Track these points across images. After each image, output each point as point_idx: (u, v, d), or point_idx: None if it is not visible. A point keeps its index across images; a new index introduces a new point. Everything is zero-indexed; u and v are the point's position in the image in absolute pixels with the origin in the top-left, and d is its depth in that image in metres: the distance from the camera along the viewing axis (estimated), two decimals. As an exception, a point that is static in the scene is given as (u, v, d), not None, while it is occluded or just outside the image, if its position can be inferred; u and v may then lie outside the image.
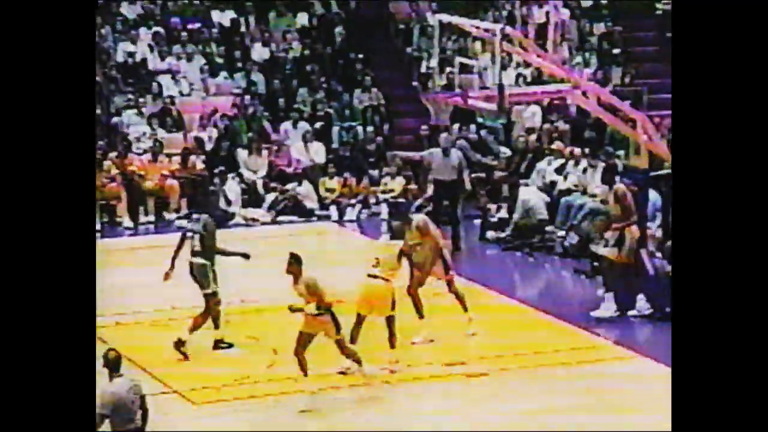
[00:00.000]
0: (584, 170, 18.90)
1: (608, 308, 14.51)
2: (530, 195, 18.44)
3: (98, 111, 21.54)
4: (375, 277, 12.55)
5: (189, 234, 13.37)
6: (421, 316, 13.46)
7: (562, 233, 17.96)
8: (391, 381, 12.50)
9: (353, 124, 22.26)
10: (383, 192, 20.36)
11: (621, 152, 18.43)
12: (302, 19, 24.06)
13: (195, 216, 13.85)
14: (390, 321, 12.56)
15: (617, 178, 14.72)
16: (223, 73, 22.63)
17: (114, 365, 9.48)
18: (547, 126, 21.62)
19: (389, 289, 12.57)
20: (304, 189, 20.32)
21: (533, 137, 21.20)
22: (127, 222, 19.62)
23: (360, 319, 12.54)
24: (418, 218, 13.66)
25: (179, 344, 12.98)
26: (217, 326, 13.28)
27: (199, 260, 13.24)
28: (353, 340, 12.43)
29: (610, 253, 14.43)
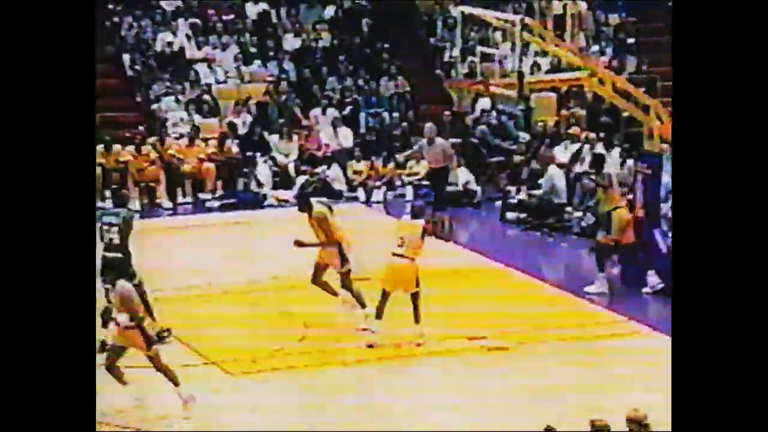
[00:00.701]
0: (598, 154, 18.68)
1: (599, 287, 14.49)
2: (556, 174, 18.24)
3: (138, 98, 21.52)
4: (400, 256, 12.44)
5: (106, 227, 12.25)
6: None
7: (578, 214, 17.79)
8: (418, 354, 12.38)
9: (379, 110, 22.16)
10: (408, 175, 20.24)
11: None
12: (330, 10, 23.93)
13: (114, 209, 12.74)
14: (414, 297, 12.47)
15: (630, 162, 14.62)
16: (257, 62, 22.56)
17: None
18: (564, 112, 21.44)
19: (413, 267, 12.46)
20: (333, 172, 20.22)
21: (551, 122, 21.03)
22: (166, 203, 19.62)
23: (385, 295, 12.44)
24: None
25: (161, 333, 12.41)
26: (153, 317, 12.15)
27: (116, 254, 12.22)
28: (379, 315, 12.35)
29: (600, 236, 14.63)
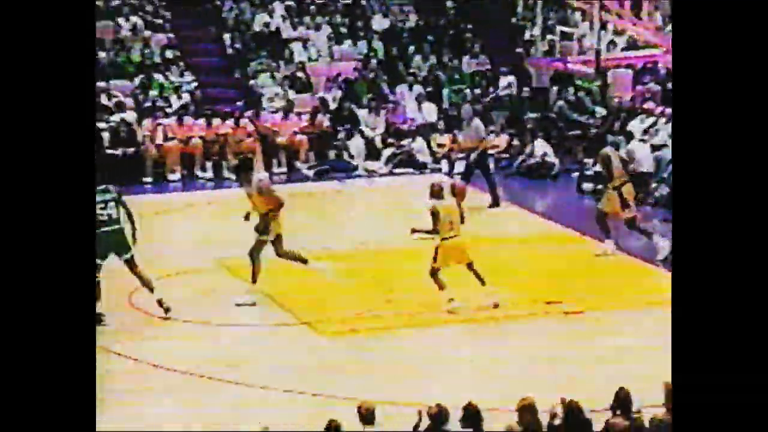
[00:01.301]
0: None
1: (607, 246, 14.59)
2: (637, 147, 17.88)
3: (237, 75, 21.67)
4: (449, 238, 12.38)
5: (101, 204, 11.90)
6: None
7: (654, 185, 17.52)
8: (496, 318, 12.34)
9: (462, 86, 22.04)
10: (491, 147, 20.09)
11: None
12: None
13: (106, 186, 12.20)
14: (470, 266, 12.44)
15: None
16: (347, 41, 22.55)
17: None
18: (639, 87, 21.11)
19: (463, 241, 12.48)
20: (418, 145, 20.19)
21: (627, 97, 20.73)
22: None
23: (435, 272, 12.41)
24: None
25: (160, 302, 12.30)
26: (151, 289, 12.32)
27: (117, 226, 12.07)
28: (442, 287, 12.33)
29: (601, 205, 14.81)
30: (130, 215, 12.22)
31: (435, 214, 12.45)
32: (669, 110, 18.94)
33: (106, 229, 11.90)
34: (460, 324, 12.21)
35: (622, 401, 8.28)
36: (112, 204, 12.04)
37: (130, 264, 12.13)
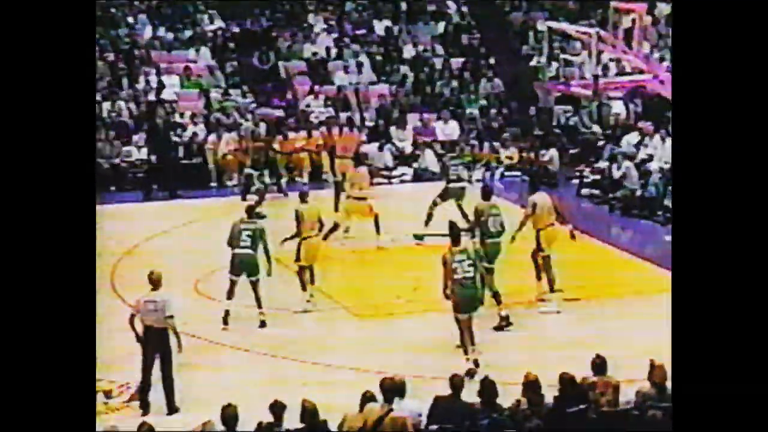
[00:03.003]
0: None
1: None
2: (631, 168, 17.64)
3: (289, 96, 21.68)
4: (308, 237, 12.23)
5: (247, 231, 11.67)
6: None
7: (639, 192, 17.36)
8: (509, 305, 12.12)
9: (478, 105, 21.88)
10: (506, 158, 19.99)
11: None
12: (441, 26, 23.77)
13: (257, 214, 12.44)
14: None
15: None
16: (383, 68, 22.52)
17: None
18: (632, 107, 20.94)
19: (318, 241, 12.55)
20: (428, 157, 19.89)
21: (623, 116, 20.58)
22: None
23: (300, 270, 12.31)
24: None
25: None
26: (260, 306, 11.92)
27: (250, 251, 11.72)
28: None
29: None
30: (266, 247, 11.83)
31: (298, 217, 12.22)
32: (651, 128, 18.81)
33: (240, 251, 11.64)
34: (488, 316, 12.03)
35: (598, 366, 8.33)
36: (254, 233, 11.72)
37: (254, 285, 11.78)
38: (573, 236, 12.14)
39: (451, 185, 15.03)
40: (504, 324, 11.51)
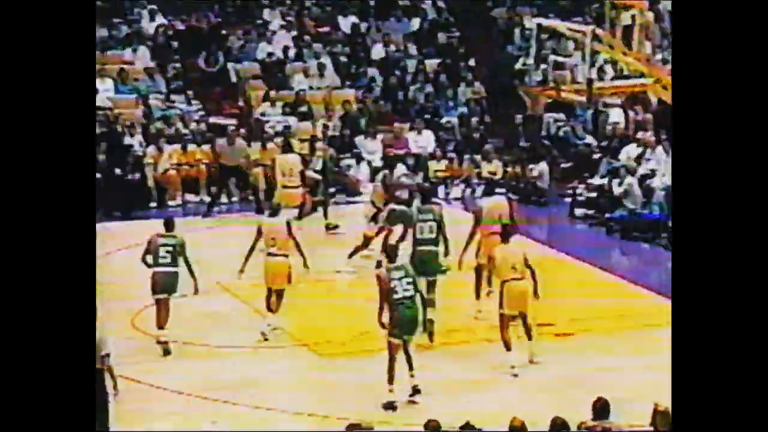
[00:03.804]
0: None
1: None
2: (633, 184, 17.86)
3: (241, 103, 21.74)
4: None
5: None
6: None
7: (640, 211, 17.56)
8: (487, 338, 12.32)
9: (456, 112, 22.03)
10: (488, 173, 20.14)
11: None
12: (416, 23, 23.95)
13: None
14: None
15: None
16: (347, 70, 22.64)
17: None
18: (632, 115, 21.19)
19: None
20: (399, 171, 19.99)
21: (621, 125, 20.82)
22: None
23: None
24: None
25: None
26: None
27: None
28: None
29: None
30: (187, 262, 12.20)
31: (259, 230, 12.76)
32: (652, 138, 19.03)
33: (160, 269, 12.04)
34: (449, 346, 12.22)
35: (599, 410, 8.40)
36: (174, 248, 12.04)
37: (165, 303, 12.11)
38: (536, 295, 11.78)
39: (397, 207, 14.37)
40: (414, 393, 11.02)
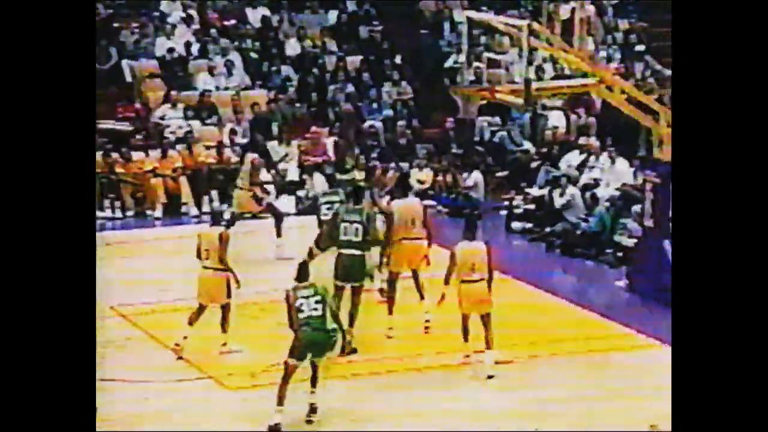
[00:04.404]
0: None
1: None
2: (575, 195, 18.10)
3: (138, 104, 21.56)
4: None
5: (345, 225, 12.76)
6: None
7: (584, 224, 17.80)
8: (420, 367, 12.41)
9: (382, 116, 22.09)
10: (417, 182, 20.23)
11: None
12: (333, 15, 23.99)
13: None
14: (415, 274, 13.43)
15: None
16: (259, 68, 22.58)
17: None
18: (574, 118, 21.47)
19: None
20: (318, 180, 20.08)
21: (562, 130, 21.08)
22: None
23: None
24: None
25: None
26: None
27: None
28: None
29: None
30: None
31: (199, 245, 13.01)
32: (597, 144, 19.33)
33: None
34: (371, 377, 12.32)
35: None
36: None
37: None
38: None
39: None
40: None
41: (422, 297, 13.33)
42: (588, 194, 18.01)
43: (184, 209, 19.57)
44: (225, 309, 12.81)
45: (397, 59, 23.28)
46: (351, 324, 12.56)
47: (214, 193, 19.80)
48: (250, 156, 17.22)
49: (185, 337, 12.74)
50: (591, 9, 23.89)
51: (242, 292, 12.98)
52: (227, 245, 12.73)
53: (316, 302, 11.06)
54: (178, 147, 20.15)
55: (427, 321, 13.26)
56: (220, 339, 12.81)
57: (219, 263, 12.69)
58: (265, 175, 19.33)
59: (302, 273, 11.34)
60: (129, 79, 22.04)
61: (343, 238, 12.75)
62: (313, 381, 11.21)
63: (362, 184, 14.89)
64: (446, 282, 12.37)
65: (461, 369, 12.41)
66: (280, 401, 11.04)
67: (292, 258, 13.77)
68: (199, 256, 12.84)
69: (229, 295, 12.78)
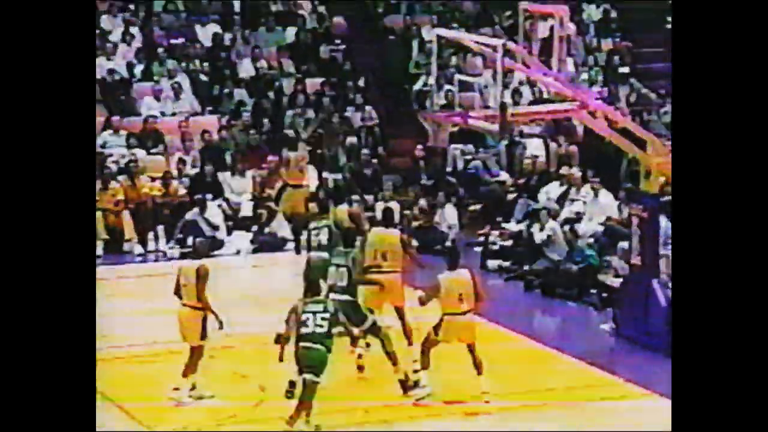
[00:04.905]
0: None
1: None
2: (557, 230, 18.22)
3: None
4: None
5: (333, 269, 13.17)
6: None
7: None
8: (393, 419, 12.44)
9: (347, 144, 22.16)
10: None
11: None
12: (291, 33, 24.06)
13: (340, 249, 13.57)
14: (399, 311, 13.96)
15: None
16: (209, 92, 22.62)
17: None
18: (554, 147, 21.63)
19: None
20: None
21: (541, 159, 21.23)
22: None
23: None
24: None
25: None
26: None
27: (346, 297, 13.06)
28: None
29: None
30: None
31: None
32: (578, 175, 19.48)
33: None
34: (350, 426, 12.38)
35: None
36: None
37: None
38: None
39: (314, 257, 14.33)
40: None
41: None
42: (569, 229, 18.15)
43: (126, 247, 19.58)
44: (194, 351, 12.80)
45: (361, 81, 23.41)
46: (395, 363, 12.98)
47: (160, 229, 19.84)
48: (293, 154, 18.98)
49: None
50: (571, 27, 24.14)
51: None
52: (206, 281, 12.77)
53: (323, 319, 11.46)
54: (120, 178, 20.14)
55: None
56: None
57: (196, 301, 12.73)
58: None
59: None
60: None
61: (330, 283, 13.04)
62: (304, 404, 11.56)
63: (351, 226, 14.93)
64: (435, 333, 12.82)
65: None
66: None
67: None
68: (177, 292, 12.89)
69: (203, 337, 12.79)
